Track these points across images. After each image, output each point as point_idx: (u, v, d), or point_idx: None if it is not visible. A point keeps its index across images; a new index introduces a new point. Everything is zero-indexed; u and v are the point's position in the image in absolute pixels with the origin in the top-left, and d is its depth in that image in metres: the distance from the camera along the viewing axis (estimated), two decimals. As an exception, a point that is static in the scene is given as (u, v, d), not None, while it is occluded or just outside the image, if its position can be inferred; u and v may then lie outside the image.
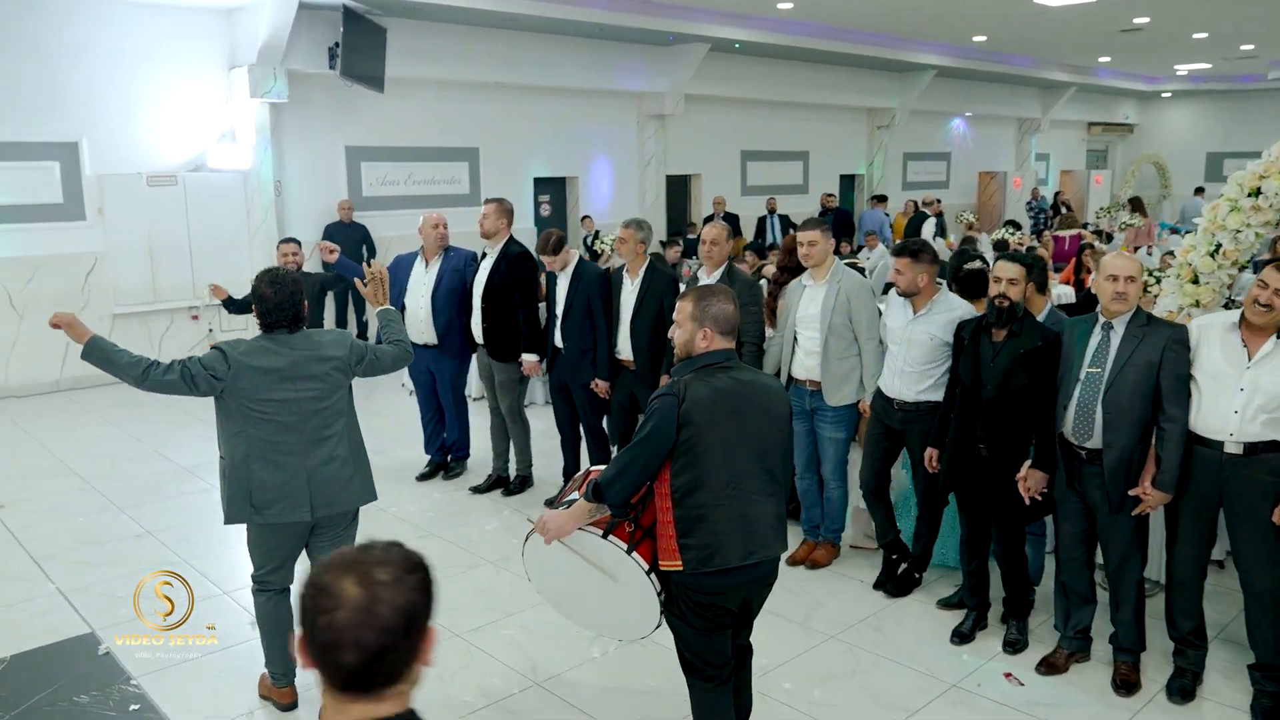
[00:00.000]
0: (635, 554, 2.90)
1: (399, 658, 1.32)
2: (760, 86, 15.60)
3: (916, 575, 4.73)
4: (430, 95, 12.08)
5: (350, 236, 11.12)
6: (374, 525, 5.70)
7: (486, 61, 12.04)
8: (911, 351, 4.38)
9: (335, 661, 1.29)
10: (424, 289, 6.07)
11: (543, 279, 6.17)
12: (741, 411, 2.82)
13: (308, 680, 3.85)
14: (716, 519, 2.76)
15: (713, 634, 2.92)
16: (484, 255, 6.05)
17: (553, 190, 14.08)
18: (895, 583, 4.71)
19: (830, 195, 16.15)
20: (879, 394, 4.57)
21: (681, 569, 2.79)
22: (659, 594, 2.92)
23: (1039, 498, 3.89)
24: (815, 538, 5.09)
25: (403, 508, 6.01)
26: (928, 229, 14.31)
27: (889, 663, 4.11)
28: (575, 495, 3.09)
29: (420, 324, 6.05)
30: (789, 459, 3.04)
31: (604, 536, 2.93)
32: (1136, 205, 15.69)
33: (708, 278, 5.06)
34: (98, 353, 3.35)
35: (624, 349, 5.44)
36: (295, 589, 3.27)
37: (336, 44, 10.19)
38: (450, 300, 6.02)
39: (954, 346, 4.18)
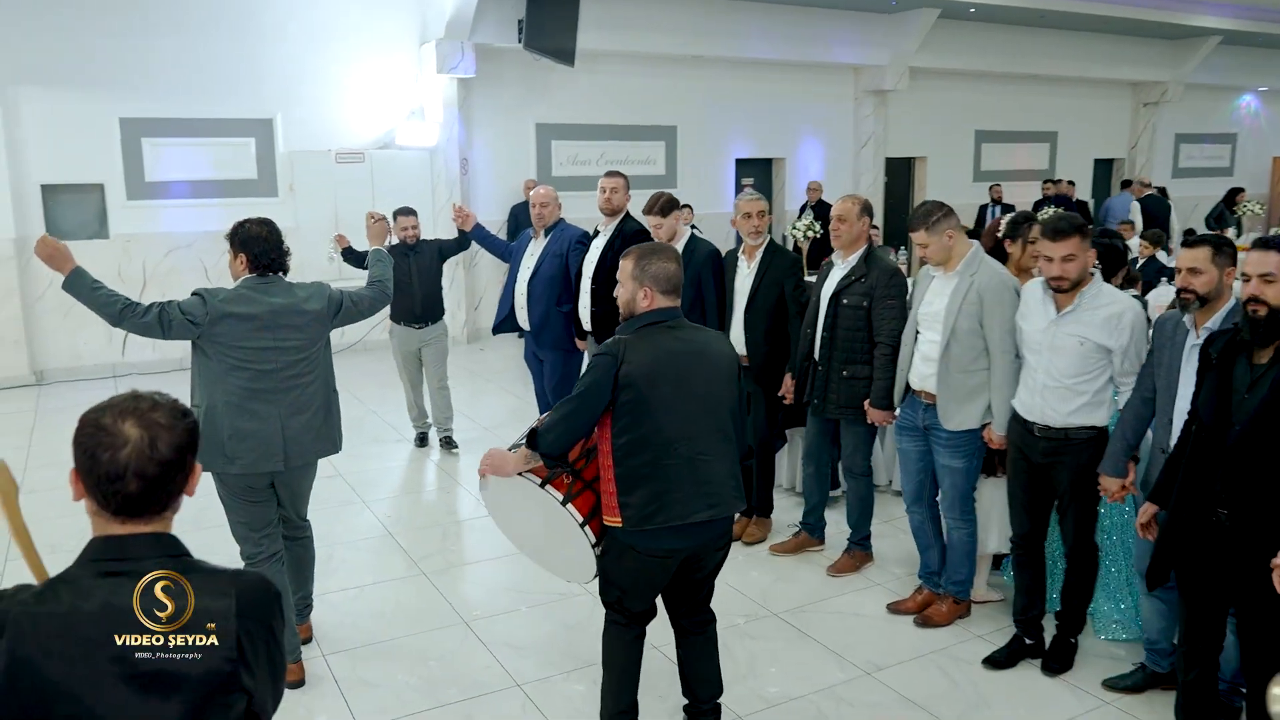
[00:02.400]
0: (570, 506, 2.86)
1: (173, 487, 1.53)
2: (999, 57, 13.85)
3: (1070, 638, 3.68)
4: (626, 70, 11.48)
5: (530, 218, 10.71)
6: (469, 534, 5.25)
7: (685, 33, 11.27)
8: (1056, 361, 3.43)
9: (118, 490, 1.48)
10: (526, 272, 5.58)
11: None
12: (686, 369, 2.81)
13: (311, 653, 3.85)
14: (659, 478, 2.74)
15: (641, 585, 2.92)
16: (596, 233, 5.40)
17: (756, 172, 13.13)
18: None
19: (1053, 182, 13.92)
20: (1016, 418, 3.62)
21: (621, 525, 2.76)
22: (593, 545, 2.89)
23: None
24: (934, 586, 4.17)
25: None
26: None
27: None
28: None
29: (520, 309, 5.60)
30: (740, 416, 2.97)
31: (541, 486, 2.87)
32: None
33: (841, 262, 4.32)
34: (78, 285, 3.29)
35: (737, 342, 4.71)
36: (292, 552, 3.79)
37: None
38: (548, 289, 5.46)
39: (1200, 366, 2.94)
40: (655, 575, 2.89)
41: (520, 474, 2.89)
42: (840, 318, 4.22)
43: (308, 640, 3.91)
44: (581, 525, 2.86)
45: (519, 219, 10.76)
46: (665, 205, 4.92)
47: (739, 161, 12.75)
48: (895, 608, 4.18)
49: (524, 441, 2.88)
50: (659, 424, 2.74)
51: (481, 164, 10.84)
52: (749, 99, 12.49)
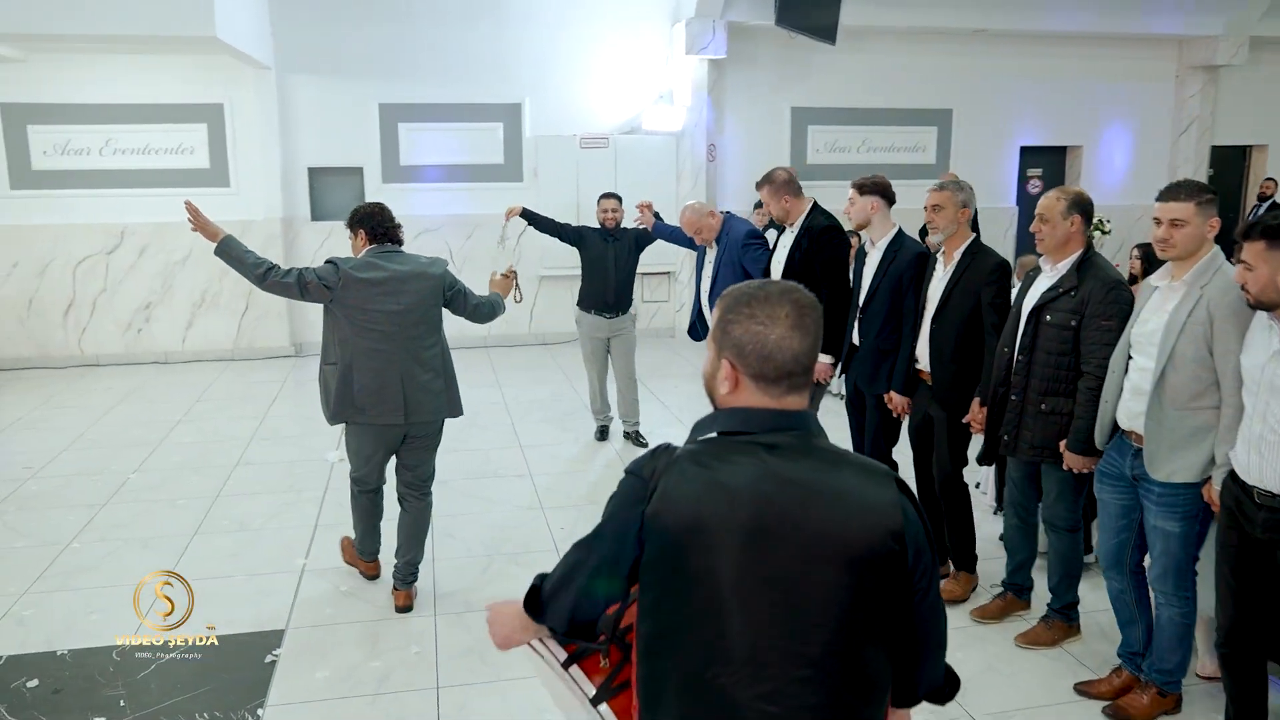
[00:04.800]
0: (606, 708, 1.72)
1: None
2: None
3: None
4: (895, 47, 10.43)
5: (787, 209, 10.04)
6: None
7: (968, 6, 10.02)
8: (1276, 406, 2.60)
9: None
10: (706, 283, 5.25)
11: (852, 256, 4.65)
12: (769, 533, 1.46)
13: (426, 682, 3.59)
14: (691, 709, 1.50)
15: None
16: (783, 230, 4.83)
17: (1046, 162, 11.56)
18: None
19: (1273, 179, 11.00)
20: (1231, 478, 2.77)
21: None
22: None
23: None
24: (1135, 670, 3.36)
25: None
26: None
27: None
28: None
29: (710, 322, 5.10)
30: (854, 628, 1.47)
31: (565, 666, 1.77)
32: None
33: (1049, 269, 3.49)
34: (229, 252, 3.75)
35: (922, 355, 4.03)
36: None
37: (781, -10, 9.07)
38: None
39: None
40: None
41: (538, 643, 1.78)
42: (1041, 338, 3.43)
43: (406, 608, 4.06)
44: None
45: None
46: (874, 183, 4.19)
47: (1025, 150, 11.27)
48: (1084, 689, 3.40)
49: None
50: (694, 621, 1.50)
51: (730, 150, 10.28)
52: (1041, 78, 10.97)
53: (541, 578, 1.71)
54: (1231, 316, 2.83)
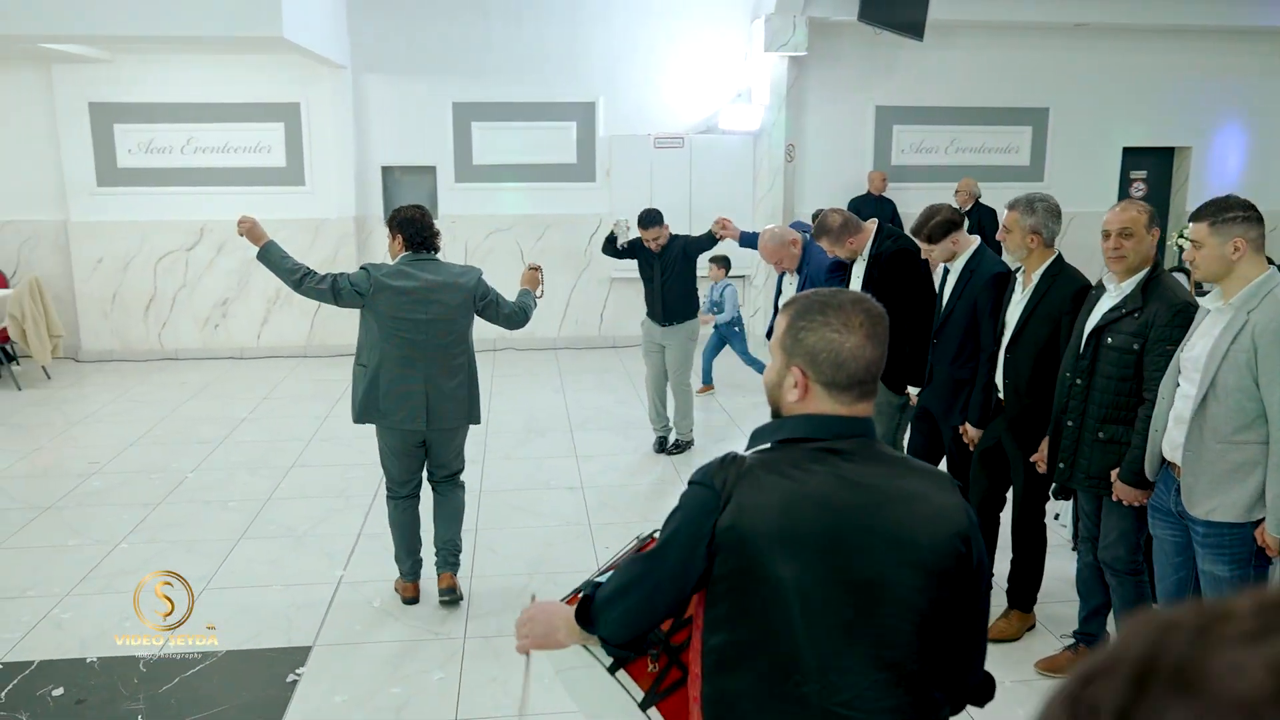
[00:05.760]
0: (655, 711, 1.73)
1: None
2: None
3: None
4: (987, 43, 9.92)
5: (877, 213, 9.60)
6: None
7: (1067, -3, 9.47)
8: None
9: None
10: None
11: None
12: (847, 539, 1.48)
13: (446, 713, 3.40)
14: None
15: None
16: (853, 261, 4.60)
17: (1151, 164, 10.87)
18: None
19: None
20: None
21: None
22: None
23: None
24: None
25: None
26: None
27: None
28: None
29: None
30: (930, 630, 1.49)
31: (611, 671, 1.77)
32: None
33: (1114, 288, 3.21)
34: (269, 257, 3.84)
35: (1000, 383, 3.75)
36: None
37: (865, -15, 8.69)
38: None
39: None
40: None
41: (582, 648, 1.77)
42: (1101, 361, 3.18)
43: (450, 591, 4.07)
44: None
45: (859, 214, 9.72)
46: (939, 226, 3.87)
47: (1128, 151, 10.60)
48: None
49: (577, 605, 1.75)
50: (772, 631, 1.47)
51: (811, 150, 9.92)
52: (1146, 75, 10.29)
53: (594, 587, 1.66)
54: (1278, 343, 2.56)
